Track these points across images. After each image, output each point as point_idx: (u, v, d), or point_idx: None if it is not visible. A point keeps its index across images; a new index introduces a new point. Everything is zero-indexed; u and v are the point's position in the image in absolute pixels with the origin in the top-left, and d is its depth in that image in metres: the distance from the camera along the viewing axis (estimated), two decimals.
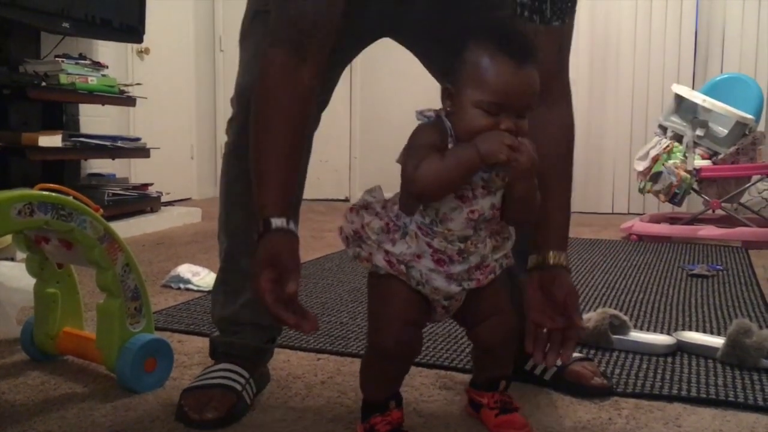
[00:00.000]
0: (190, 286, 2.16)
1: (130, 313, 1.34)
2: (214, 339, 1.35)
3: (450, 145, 1.00)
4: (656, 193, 3.28)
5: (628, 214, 4.16)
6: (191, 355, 1.54)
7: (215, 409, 1.17)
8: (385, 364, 1.08)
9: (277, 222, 1.03)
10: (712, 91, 3.42)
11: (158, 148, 3.61)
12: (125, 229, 3.13)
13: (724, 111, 3.18)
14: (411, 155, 1.01)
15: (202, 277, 2.21)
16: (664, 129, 3.38)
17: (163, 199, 3.72)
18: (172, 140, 4.40)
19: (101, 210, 1.31)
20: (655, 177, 3.25)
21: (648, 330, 1.74)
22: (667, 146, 3.27)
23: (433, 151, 0.99)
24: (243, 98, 1.25)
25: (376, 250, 1.05)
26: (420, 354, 1.14)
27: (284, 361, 1.50)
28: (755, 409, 1.25)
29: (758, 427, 1.18)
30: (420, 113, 1.06)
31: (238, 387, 1.23)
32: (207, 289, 2.13)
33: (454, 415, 1.22)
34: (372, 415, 1.09)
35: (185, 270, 2.23)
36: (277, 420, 1.20)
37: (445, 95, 1.03)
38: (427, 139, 1.01)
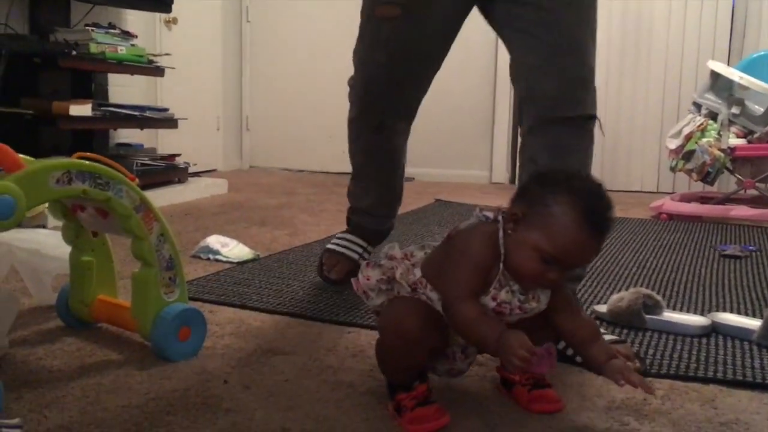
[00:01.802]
0: (219, 257, 2.17)
1: (164, 283, 1.34)
2: (351, 217, 1.97)
3: (498, 271, 1.03)
4: (688, 172, 3.22)
5: (657, 192, 4.10)
6: (223, 325, 1.55)
7: (336, 273, 1.86)
8: (399, 352, 1.07)
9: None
10: (748, 68, 3.33)
11: (185, 119, 3.62)
12: (153, 199, 3.12)
13: (761, 89, 3.10)
14: (458, 278, 1.03)
15: (231, 248, 2.21)
16: (698, 106, 3.31)
17: (190, 170, 3.73)
18: (199, 111, 4.40)
19: (137, 180, 1.31)
20: (688, 155, 3.19)
21: (681, 310, 1.72)
22: (701, 124, 3.20)
23: (480, 277, 1.03)
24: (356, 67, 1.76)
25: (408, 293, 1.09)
26: (438, 343, 1.10)
27: (316, 333, 1.51)
28: None
29: None
30: (480, 210, 1.09)
31: (356, 256, 1.89)
32: (236, 261, 2.14)
33: (486, 391, 1.22)
34: (397, 393, 1.10)
35: (214, 241, 2.23)
36: (311, 392, 1.21)
37: (511, 218, 1.04)
38: (479, 259, 1.03)
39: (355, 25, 1.72)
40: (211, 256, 2.18)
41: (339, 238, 1.96)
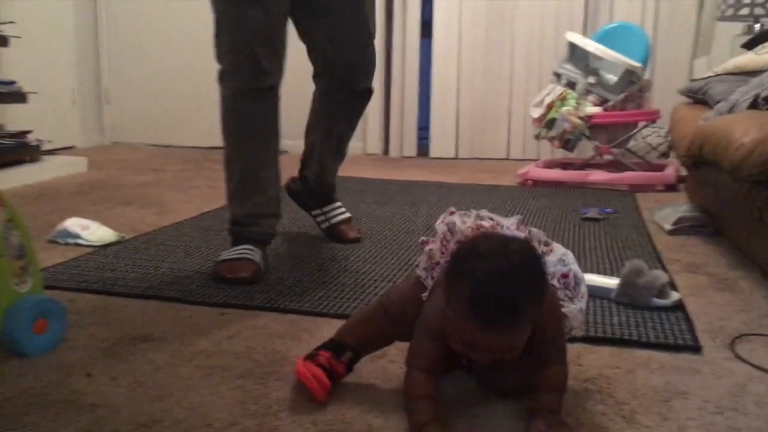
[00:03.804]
0: (80, 241, 2.03)
1: (15, 273, 1.24)
2: (236, 230, 1.81)
3: None
4: (551, 140, 3.37)
5: (524, 159, 4.27)
6: (84, 314, 1.46)
7: (245, 271, 1.66)
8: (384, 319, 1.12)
9: None
10: (602, 39, 3.50)
11: (36, 93, 3.35)
12: (2, 180, 2.90)
13: (613, 59, 3.28)
14: (417, 348, 1.02)
15: (92, 231, 2.08)
16: (558, 76, 3.46)
17: (44, 147, 3.47)
18: (51, 84, 4.08)
19: None
20: (550, 123, 3.33)
21: None
22: (561, 93, 3.35)
23: (439, 347, 0.99)
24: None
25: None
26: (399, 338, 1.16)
27: (188, 317, 1.45)
28: (648, 345, 1.33)
29: (651, 363, 1.25)
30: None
31: (257, 259, 1.72)
32: (98, 244, 2.02)
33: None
34: (324, 350, 1.13)
35: (73, 224, 2.09)
36: (183, 379, 1.15)
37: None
38: (436, 332, 0.99)
39: None
40: (69, 240, 2.04)
41: (231, 250, 1.76)
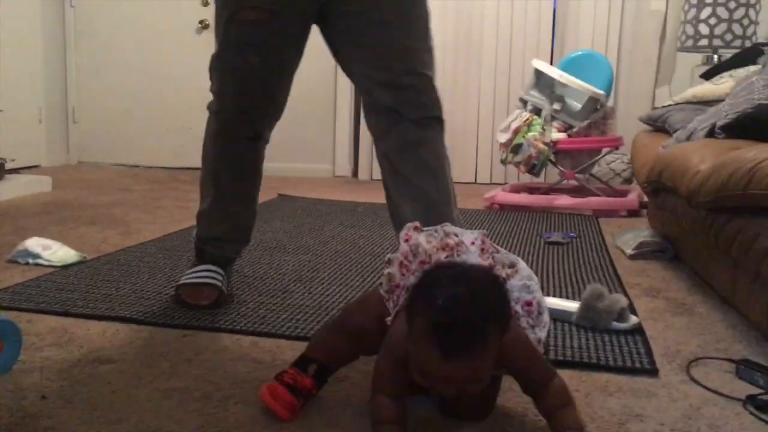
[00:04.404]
0: (40, 261, 2.00)
1: None
2: (201, 247, 1.76)
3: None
4: (517, 164, 3.41)
5: (491, 184, 4.32)
6: (42, 336, 1.43)
7: (206, 299, 1.63)
8: (335, 332, 1.16)
9: None
10: (567, 67, 3.58)
11: (0, 111, 3.30)
12: None
13: (578, 86, 3.34)
14: (381, 371, 1.02)
15: (53, 251, 2.05)
16: (524, 102, 3.51)
17: (8, 166, 3.41)
18: (16, 102, 4.04)
19: None
20: (516, 149, 3.38)
21: None
22: (527, 119, 3.40)
23: (402, 370, 0.98)
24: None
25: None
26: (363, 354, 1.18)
27: (148, 339, 1.43)
28: (606, 369, 1.34)
29: (609, 386, 1.27)
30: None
31: (219, 284, 1.68)
32: (59, 264, 1.99)
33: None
34: (293, 367, 1.13)
35: (34, 244, 2.06)
36: (141, 402, 1.14)
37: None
38: (399, 355, 0.99)
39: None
40: (30, 260, 2.01)
41: (194, 271, 1.71)
